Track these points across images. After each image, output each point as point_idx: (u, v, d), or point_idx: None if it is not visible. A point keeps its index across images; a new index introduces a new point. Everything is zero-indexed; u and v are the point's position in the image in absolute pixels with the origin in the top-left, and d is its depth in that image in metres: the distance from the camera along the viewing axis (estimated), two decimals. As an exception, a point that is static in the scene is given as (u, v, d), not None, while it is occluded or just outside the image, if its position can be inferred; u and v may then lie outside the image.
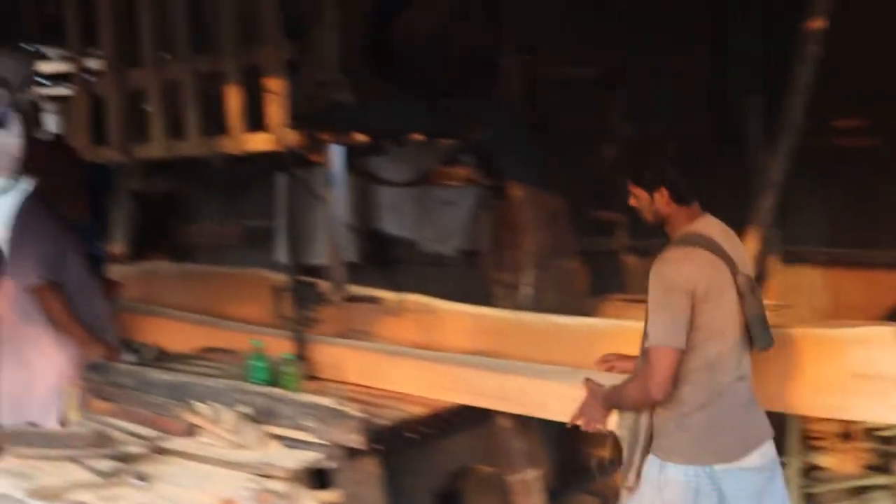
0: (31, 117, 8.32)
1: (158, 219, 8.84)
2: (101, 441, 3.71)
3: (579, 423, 3.64)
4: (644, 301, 4.03)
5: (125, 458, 3.62)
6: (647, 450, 3.43)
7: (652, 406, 3.37)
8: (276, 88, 4.49)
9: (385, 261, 7.24)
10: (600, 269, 6.59)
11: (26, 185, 5.33)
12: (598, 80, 6.70)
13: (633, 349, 3.79)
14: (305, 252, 6.20)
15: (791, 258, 5.94)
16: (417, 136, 5.28)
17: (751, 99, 6.07)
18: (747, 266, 3.48)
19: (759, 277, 5.28)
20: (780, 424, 5.34)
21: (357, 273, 6.71)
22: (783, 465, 5.18)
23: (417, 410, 4.08)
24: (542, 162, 5.67)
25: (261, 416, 3.87)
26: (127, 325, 5.82)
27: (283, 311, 4.58)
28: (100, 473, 3.49)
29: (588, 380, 3.72)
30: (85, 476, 3.53)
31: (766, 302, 3.50)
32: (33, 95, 8.50)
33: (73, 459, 3.67)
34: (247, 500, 3.33)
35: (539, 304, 4.95)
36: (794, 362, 3.84)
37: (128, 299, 6.08)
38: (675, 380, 3.26)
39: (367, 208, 7.33)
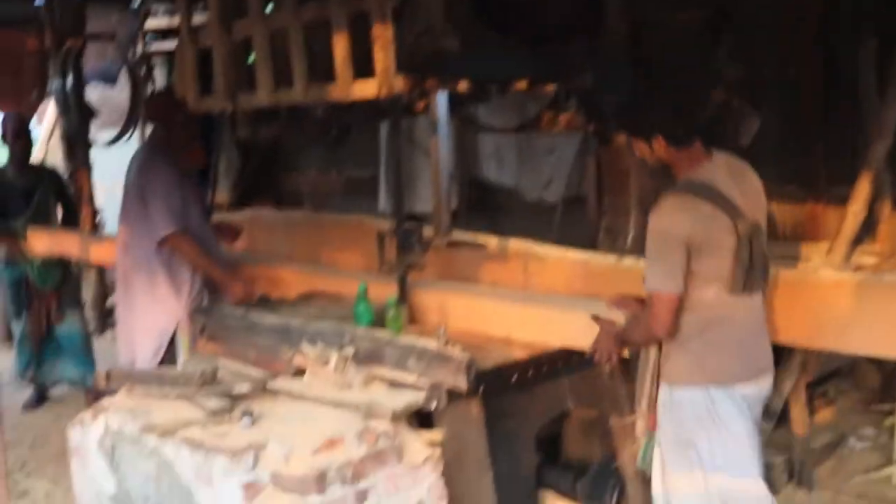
0: (141, 72, 8.48)
1: (263, 167, 8.96)
2: (210, 380, 3.77)
3: (594, 356, 3.73)
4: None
5: (233, 397, 3.68)
6: (655, 378, 3.59)
7: (656, 342, 3.53)
8: (382, 36, 4.46)
9: (488, 208, 7.23)
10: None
11: (136, 138, 5.46)
12: (703, 24, 6.56)
13: None
14: (408, 199, 6.21)
15: (903, 204, 5.76)
16: (521, 83, 5.21)
17: (864, 42, 5.88)
18: (755, 208, 3.50)
19: (870, 223, 5.16)
20: (892, 371, 5.25)
21: (459, 221, 6.71)
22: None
23: (521, 354, 4.07)
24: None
25: (366, 358, 3.90)
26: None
27: (387, 257, 4.59)
28: (209, 411, 3.56)
29: (596, 316, 3.81)
30: (195, 413, 3.60)
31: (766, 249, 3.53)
32: (143, 51, 8.65)
33: (183, 397, 3.75)
34: (351, 439, 3.36)
35: (643, 249, 4.88)
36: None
37: (232, 248, 6.19)
38: (676, 318, 3.40)
39: (470, 156, 7.31)
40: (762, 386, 3.57)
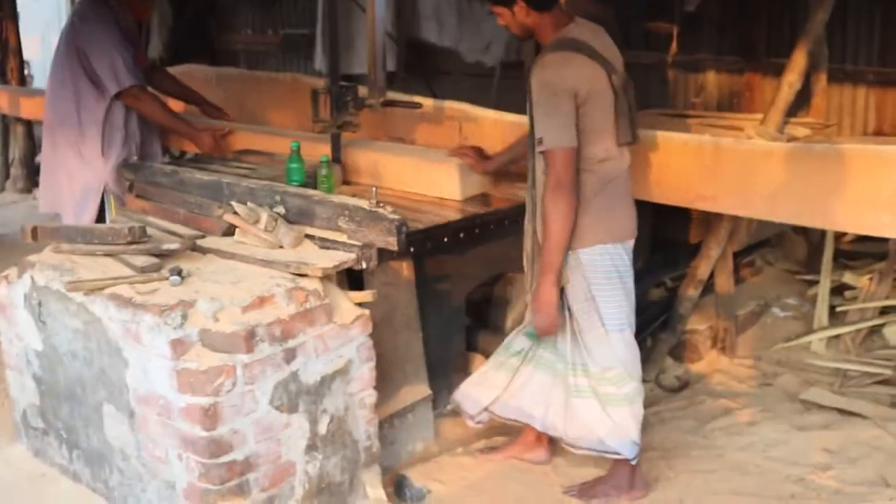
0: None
1: (197, 25, 8.74)
2: (138, 238, 3.72)
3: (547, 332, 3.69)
4: (683, 115, 3.99)
5: (162, 255, 3.64)
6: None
7: (575, 207, 3.48)
8: None
9: (426, 70, 7.14)
10: (647, 81, 6.47)
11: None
12: None
13: (663, 158, 4.13)
14: (346, 60, 6.10)
15: (838, 76, 5.79)
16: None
17: None
18: (620, 65, 3.62)
19: (805, 93, 5.17)
20: (818, 243, 5.32)
21: (397, 82, 6.61)
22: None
23: (453, 216, 4.06)
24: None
25: (297, 217, 3.86)
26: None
27: (321, 115, 4.52)
28: (137, 268, 3.52)
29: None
30: (122, 270, 3.56)
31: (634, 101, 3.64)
32: None
33: (111, 255, 3.69)
34: (281, 297, 3.35)
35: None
36: (837, 178, 3.77)
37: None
38: (576, 171, 3.46)
39: (410, 16, 7.19)
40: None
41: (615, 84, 3.50)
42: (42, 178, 5.29)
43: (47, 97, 5.19)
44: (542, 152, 3.47)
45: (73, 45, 4.93)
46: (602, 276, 3.58)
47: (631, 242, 3.69)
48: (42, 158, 5.32)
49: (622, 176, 3.63)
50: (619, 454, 3.69)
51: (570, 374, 3.70)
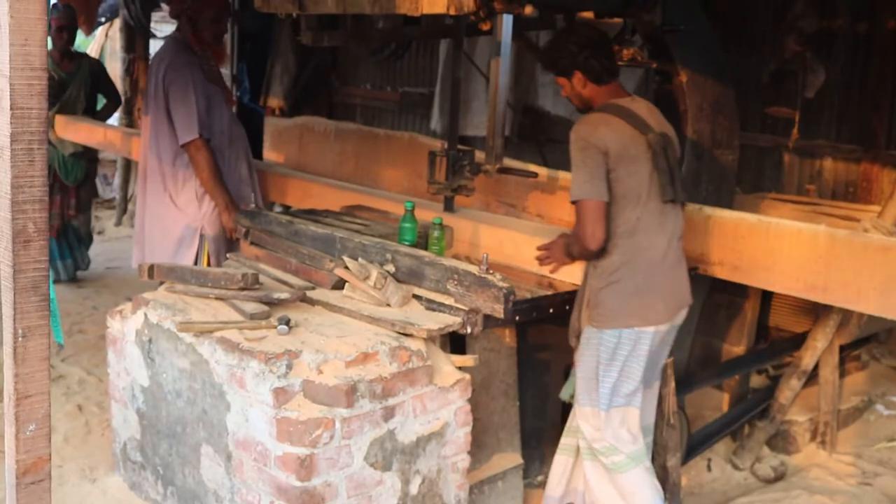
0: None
1: (319, 75, 8.92)
2: (250, 284, 3.81)
3: (543, 260, 3.92)
4: (796, 201, 3.94)
5: (272, 303, 3.72)
6: (582, 314, 3.75)
7: (590, 257, 3.62)
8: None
9: (538, 137, 7.18)
10: (761, 164, 6.43)
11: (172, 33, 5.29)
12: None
13: (775, 245, 4.06)
14: (461, 121, 6.17)
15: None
16: (587, 13, 5.12)
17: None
18: (666, 131, 3.70)
19: None
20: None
21: (510, 147, 6.67)
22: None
23: (560, 287, 4.06)
24: (718, 52, 5.46)
25: (406, 277, 3.91)
26: (276, 187, 5.93)
27: (437, 177, 4.58)
28: (247, 315, 3.60)
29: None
30: (232, 315, 3.64)
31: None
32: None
33: (222, 298, 3.79)
34: (384, 355, 3.39)
35: (690, 194, 4.84)
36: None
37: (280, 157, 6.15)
38: (605, 228, 3.51)
39: (527, 83, 7.25)
40: (677, 321, 3.76)
41: (652, 143, 3.57)
42: (135, 232, 5.33)
43: (142, 143, 5.24)
44: (573, 202, 3.56)
45: (161, 93, 4.96)
46: (609, 356, 3.63)
47: (661, 327, 3.67)
48: (137, 210, 5.36)
49: (663, 244, 3.63)
50: None
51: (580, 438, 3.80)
